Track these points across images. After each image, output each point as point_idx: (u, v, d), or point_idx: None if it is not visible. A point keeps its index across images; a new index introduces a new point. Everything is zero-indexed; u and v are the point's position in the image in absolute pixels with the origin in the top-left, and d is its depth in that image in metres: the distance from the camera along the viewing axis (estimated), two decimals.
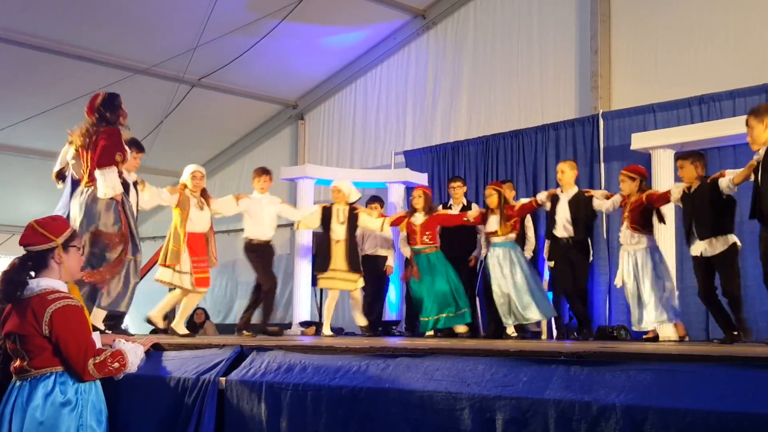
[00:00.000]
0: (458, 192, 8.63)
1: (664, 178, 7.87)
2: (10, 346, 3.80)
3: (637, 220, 6.64)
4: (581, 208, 7.22)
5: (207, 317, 11.75)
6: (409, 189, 9.99)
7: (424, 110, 11.32)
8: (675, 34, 8.94)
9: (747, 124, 5.53)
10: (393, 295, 9.56)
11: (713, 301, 6.15)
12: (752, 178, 5.62)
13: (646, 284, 6.61)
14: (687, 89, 8.51)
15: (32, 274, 3.75)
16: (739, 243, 6.10)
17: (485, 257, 7.87)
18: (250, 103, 12.55)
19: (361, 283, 7.94)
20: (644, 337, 6.87)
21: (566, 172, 7.35)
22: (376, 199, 9.00)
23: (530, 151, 9.81)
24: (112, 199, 5.70)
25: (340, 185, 8.04)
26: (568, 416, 2.77)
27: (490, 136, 10.24)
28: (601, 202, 7.18)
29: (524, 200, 7.97)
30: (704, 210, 6.08)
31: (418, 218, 7.90)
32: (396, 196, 10.16)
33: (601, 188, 8.53)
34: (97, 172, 5.64)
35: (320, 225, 8.01)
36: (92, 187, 5.70)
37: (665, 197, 6.56)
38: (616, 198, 7.04)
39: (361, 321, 8.08)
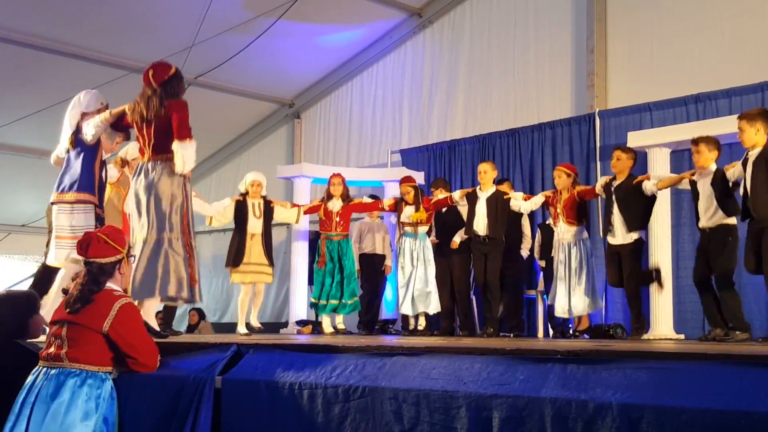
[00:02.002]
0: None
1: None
2: (55, 332, 3.85)
3: (571, 214, 7.25)
4: (499, 207, 7.68)
5: (202, 317, 11.74)
6: None
7: (421, 109, 11.33)
8: (671, 33, 8.95)
9: (738, 126, 5.74)
10: (389, 293, 9.56)
11: (626, 288, 6.81)
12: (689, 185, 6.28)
13: (581, 274, 7.19)
14: (683, 88, 8.53)
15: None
16: (643, 238, 6.84)
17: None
18: (246, 101, 12.54)
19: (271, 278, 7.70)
20: (575, 330, 7.49)
21: (488, 172, 7.79)
22: (374, 198, 9.00)
23: (527, 149, 9.82)
24: (182, 176, 5.27)
25: (260, 178, 7.66)
26: (565, 415, 2.78)
27: (487, 135, 10.24)
28: (519, 203, 7.71)
29: (441, 195, 8.29)
30: (626, 204, 6.75)
31: (335, 205, 8.04)
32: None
33: None
34: (177, 145, 5.15)
35: (233, 219, 7.61)
36: (160, 163, 5.20)
37: (592, 191, 7.26)
38: (537, 198, 7.66)
39: (254, 320, 7.48)
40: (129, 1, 9.83)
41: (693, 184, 6.26)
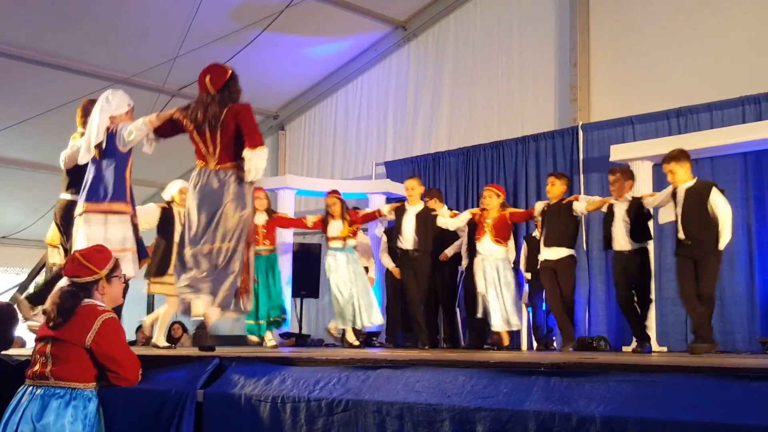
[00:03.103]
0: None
1: (643, 189, 7.92)
2: (40, 349, 3.82)
3: (500, 234, 7.62)
4: (427, 222, 7.88)
5: (185, 330, 11.65)
6: (390, 200, 10.00)
7: (405, 121, 11.35)
8: (653, 48, 9.03)
9: (669, 170, 6.31)
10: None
11: (552, 302, 7.22)
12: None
13: (505, 291, 7.53)
14: (665, 102, 8.60)
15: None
16: (575, 255, 7.30)
17: (465, 268, 8.03)
18: None
19: None
20: (491, 340, 7.82)
21: (415, 189, 7.99)
22: (357, 209, 8.99)
23: (510, 162, 9.86)
24: (251, 183, 5.06)
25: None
26: (548, 427, 2.77)
27: (471, 147, 10.28)
28: (445, 220, 7.95)
29: (368, 210, 8.48)
30: (558, 224, 7.23)
31: (260, 219, 7.72)
32: (377, 206, 10.15)
33: None
34: (250, 153, 4.95)
35: (156, 227, 7.18)
36: (228, 170, 5.01)
37: (529, 213, 7.77)
38: (463, 216, 7.95)
39: (161, 340, 6.97)
40: (114, 12, 9.81)
41: (610, 207, 6.87)
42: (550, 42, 9.95)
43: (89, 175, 5.33)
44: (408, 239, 7.81)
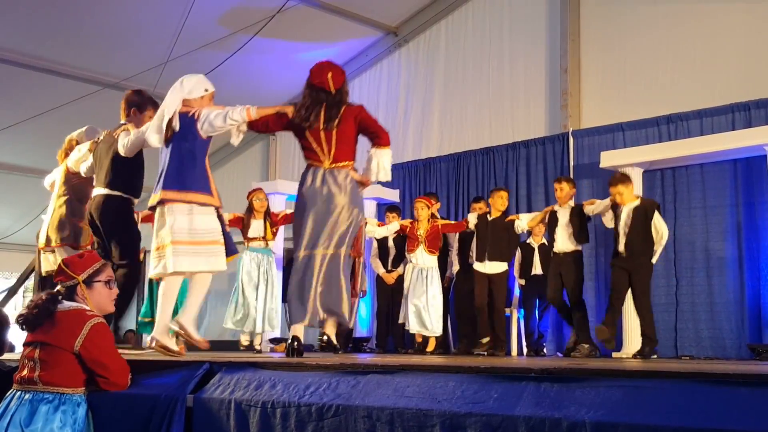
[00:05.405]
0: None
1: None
2: (28, 354, 3.80)
3: (434, 244, 8.20)
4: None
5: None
6: (381, 205, 10.00)
7: (396, 127, 11.35)
8: (643, 54, 9.07)
9: (617, 192, 6.90)
10: (364, 311, 9.53)
11: (484, 309, 7.82)
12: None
13: (437, 298, 8.07)
14: (655, 108, 8.64)
15: (64, 302, 3.87)
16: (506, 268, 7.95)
17: (456, 274, 8.11)
18: None
19: None
20: (426, 350, 8.14)
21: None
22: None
23: (501, 168, 9.88)
24: (363, 185, 4.92)
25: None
26: None
27: (462, 153, 10.29)
28: (374, 229, 8.55)
29: (289, 211, 8.53)
30: (498, 239, 7.83)
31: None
32: (367, 212, 10.16)
33: None
34: (378, 152, 4.87)
35: None
36: (344, 170, 4.90)
37: (461, 225, 8.31)
38: (392, 227, 8.53)
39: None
40: (103, 16, 9.78)
41: (553, 213, 7.48)
42: (540, 48, 9.98)
43: (165, 163, 4.98)
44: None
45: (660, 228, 6.83)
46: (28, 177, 11.89)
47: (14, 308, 9.41)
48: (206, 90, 5.20)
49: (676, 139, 8.31)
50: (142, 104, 5.78)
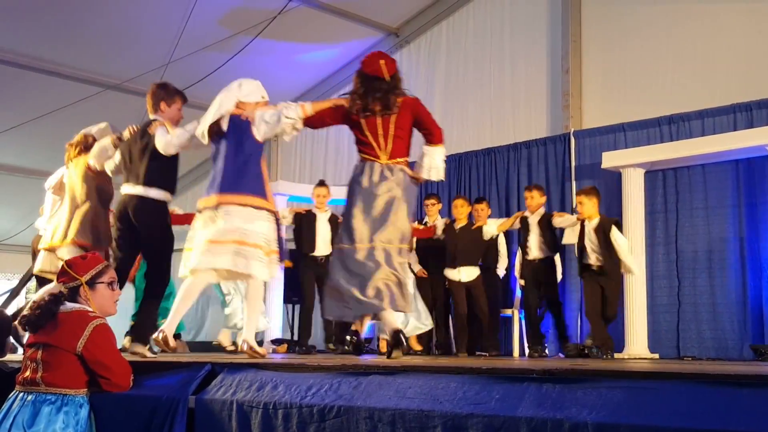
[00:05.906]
0: (432, 210, 8.65)
1: (635, 196, 7.96)
2: (31, 355, 3.81)
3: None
4: (336, 228, 8.36)
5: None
6: None
7: None
8: (645, 55, 9.06)
9: (579, 201, 7.14)
10: None
11: (470, 317, 7.95)
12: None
13: (417, 300, 8.05)
14: (657, 109, 8.62)
15: (66, 304, 3.87)
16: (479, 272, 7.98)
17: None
18: None
19: None
20: (411, 350, 8.15)
21: (326, 196, 8.60)
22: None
23: (502, 168, 9.87)
24: (417, 181, 4.80)
25: None
26: None
27: (463, 154, 10.28)
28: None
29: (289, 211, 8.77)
30: (468, 245, 7.96)
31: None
32: None
33: (572, 207, 8.58)
34: (432, 149, 4.77)
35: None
36: (401, 166, 4.80)
37: (430, 230, 8.33)
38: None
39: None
40: (105, 18, 9.79)
41: (524, 220, 7.65)
42: (541, 49, 9.97)
43: (220, 166, 4.96)
44: (321, 246, 8.14)
45: (619, 242, 7.01)
46: (29, 178, 11.89)
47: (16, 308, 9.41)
48: (262, 97, 5.16)
49: (677, 139, 8.29)
50: (169, 96, 5.65)
